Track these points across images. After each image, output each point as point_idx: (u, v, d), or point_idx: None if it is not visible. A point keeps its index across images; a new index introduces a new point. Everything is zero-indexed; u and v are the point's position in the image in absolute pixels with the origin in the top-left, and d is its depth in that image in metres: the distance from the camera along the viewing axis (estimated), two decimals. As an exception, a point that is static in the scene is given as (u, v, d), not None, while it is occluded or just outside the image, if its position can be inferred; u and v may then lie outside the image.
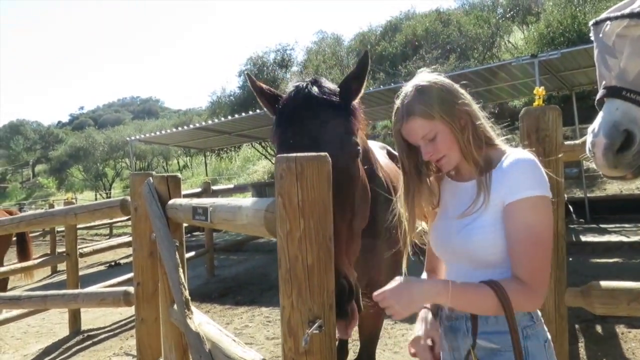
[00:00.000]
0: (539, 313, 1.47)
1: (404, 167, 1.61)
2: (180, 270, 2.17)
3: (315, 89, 1.85)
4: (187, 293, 2.08)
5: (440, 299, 1.35)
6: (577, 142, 2.09)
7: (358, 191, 1.87)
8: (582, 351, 4.13)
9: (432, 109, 1.44)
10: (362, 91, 1.93)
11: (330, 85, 1.92)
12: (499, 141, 1.52)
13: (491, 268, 1.42)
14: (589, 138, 1.45)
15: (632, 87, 1.38)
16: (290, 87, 1.96)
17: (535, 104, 2.22)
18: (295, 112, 1.80)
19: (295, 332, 1.21)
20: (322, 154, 1.24)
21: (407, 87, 1.52)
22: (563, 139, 2.15)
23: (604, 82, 1.46)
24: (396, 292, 1.36)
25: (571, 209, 9.69)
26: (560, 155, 2.08)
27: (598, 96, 1.47)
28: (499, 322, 1.40)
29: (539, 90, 2.30)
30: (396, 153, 3.34)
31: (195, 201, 2.06)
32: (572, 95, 11.01)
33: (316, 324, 1.20)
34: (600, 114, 1.45)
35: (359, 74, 1.90)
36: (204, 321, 2.05)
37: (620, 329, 4.48)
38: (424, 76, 1.53)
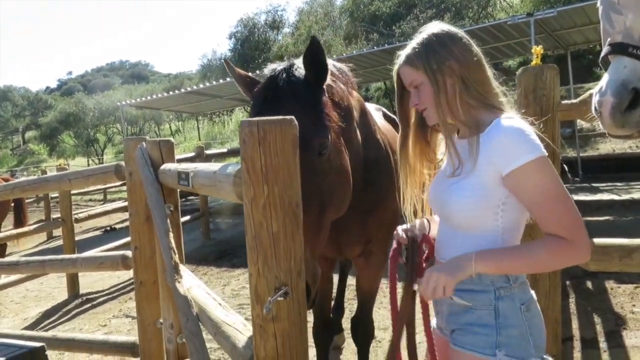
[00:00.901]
0: (520, 276, 1.47)
1: (398, 111, 1.65)
2: (171, 235, 2.17)
3: (285, 79, 1.82)
4: (176, 257, 2.08)
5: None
6: (574, 101, 2.08)
7: (328, 183, 1.83)
8: (572, 306, 4.24)
9: (420, 59, 1.46)
10: (328, 75, 1.87)
11: (303, 71, 1.86)
12: (505, 105, 1.48)
13: (467, 230, 1.45)
14: (595, 97, 1.42)
15: (639, 44, 1.34)
16: (266, 71, 1.94)
17: (533, 63, 2.20)
18: (265, 104, 1.81)
19: (262, 299, 1.20)
20: (288, 117, 1.19)
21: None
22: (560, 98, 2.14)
23: (608, 39, 1.42)
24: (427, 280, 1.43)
25: (566, 168, 9.76)
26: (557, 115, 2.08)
27: (603, 53, 1.44)
28: (473, 281, 1.43)
29: (537, 49, 2.27)
30: (391, 115, 3.32)
31: (182, 166, 2.05)
32: (567, 54, 10.91)
33: (281, 291, 1.19)
34: (607, 73, 1.41)
35: (313, 63, 1.81)
36: (194, 285, 2.07)
37: (609, 284, 4.60)
38: (434, 26, 1.53)
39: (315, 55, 1.78)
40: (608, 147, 12.55)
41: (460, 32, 1.51)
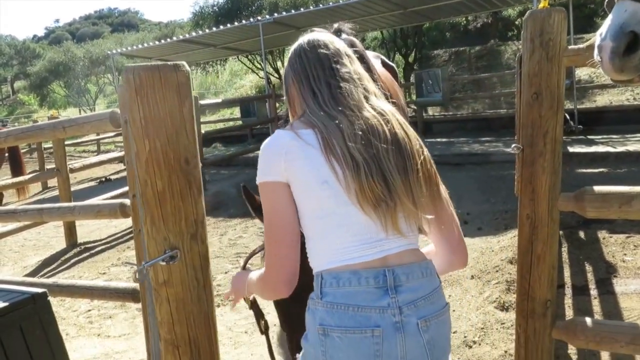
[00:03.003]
0: (329, 294, 1.28)
1: None
2: None
3: None
4: None
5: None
6: (581, 46, 2.03)
7: None
8: (565, 255, 4.32)
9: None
10: None
11: None
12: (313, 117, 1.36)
13: None
14: (596, 42, 1.40)
15: None
16: None
17: (541, 5, 2.13)
18: None
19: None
20: (170, 63, 1.05)
21: None
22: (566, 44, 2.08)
23: None
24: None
25: (567, 117, 9.69)
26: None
27: None
28: None
29: (545, -9, 2.20)
30: (390, 62, 3.27)
31: None
32: (568, 3, 10.65)
33: (164, 255, 1.11)
34: (609, 17, 1.38)
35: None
36: None
37: (602, 234, 4.66)
38: (304, 37, 1.50)
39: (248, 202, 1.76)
40: (605, 99, 12.51)
41: (304, 42, 1.45)
